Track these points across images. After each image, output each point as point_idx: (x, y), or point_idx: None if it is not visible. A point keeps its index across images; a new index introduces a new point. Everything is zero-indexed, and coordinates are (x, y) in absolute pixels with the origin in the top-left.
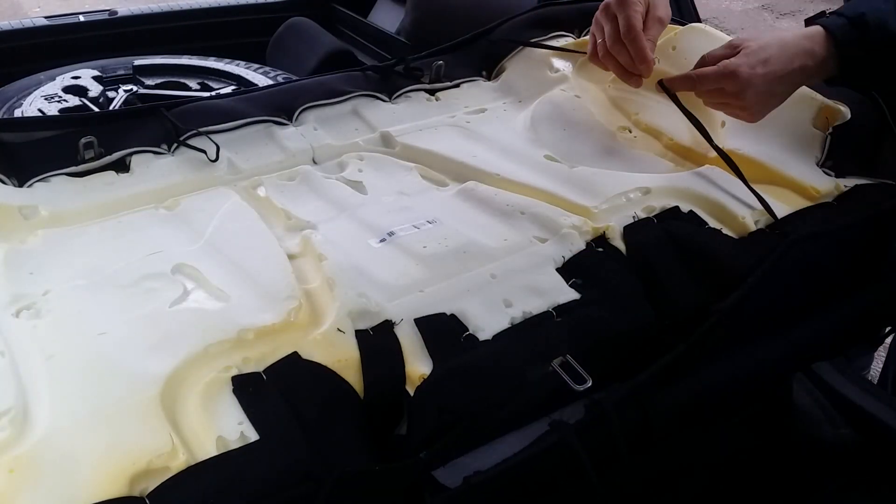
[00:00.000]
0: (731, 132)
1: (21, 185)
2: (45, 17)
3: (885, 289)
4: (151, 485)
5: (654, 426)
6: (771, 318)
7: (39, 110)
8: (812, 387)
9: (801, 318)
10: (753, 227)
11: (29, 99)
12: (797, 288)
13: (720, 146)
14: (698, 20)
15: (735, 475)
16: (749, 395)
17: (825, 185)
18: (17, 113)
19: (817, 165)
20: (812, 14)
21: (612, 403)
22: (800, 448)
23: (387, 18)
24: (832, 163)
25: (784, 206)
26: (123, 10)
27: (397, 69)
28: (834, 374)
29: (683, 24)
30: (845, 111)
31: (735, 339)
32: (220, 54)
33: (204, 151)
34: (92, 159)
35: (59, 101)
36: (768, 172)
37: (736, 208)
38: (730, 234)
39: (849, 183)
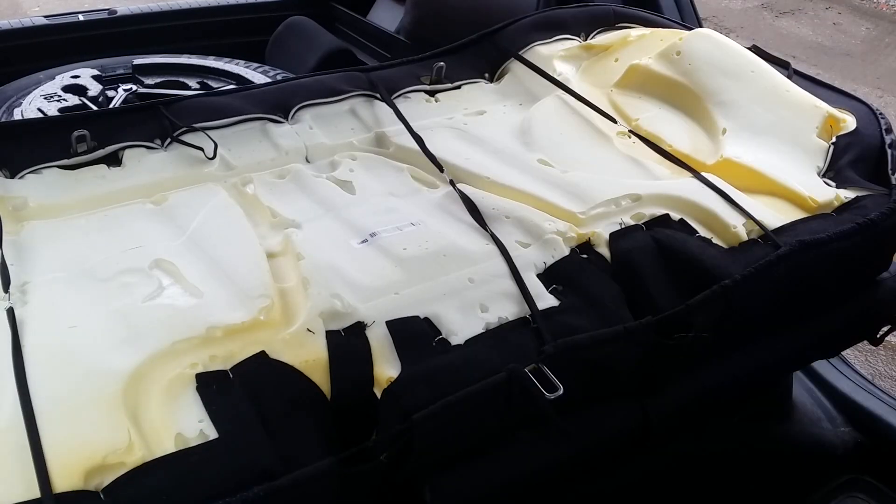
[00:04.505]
0: (732, 140)
1: (13, 177)
2: (45, 17)
3: (884, 289)
4: (107, 479)
5: (654, 426)
6: (767, 325)
7: (39, 109)
8: (812, 386)
9: (799, 320)
10: (745, 237)
11: (28, 98)
12: (791, 297)
13: (721, 154)
14: (698, 20)
15: (734, 475)
16: (749, 395)
17: (824, 195)
18: (17, 112)
19: (818, 175)
20: (811, 13)
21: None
22: (800, 447)
23: (386, 17)
24: (833, 173)
25: (781, 217)
26: (123, 9)
27: (397, 69)
28: (834, 373)
29: (689, 29)
30: (850, 121)
31: (734, 342)
32: (219, 53)
33: (201, 149)
34: (84, 152)
35: (58, 101)
36: (767, 182)
37: (728, 218)
38: (720, 243)
39: (849, 194)
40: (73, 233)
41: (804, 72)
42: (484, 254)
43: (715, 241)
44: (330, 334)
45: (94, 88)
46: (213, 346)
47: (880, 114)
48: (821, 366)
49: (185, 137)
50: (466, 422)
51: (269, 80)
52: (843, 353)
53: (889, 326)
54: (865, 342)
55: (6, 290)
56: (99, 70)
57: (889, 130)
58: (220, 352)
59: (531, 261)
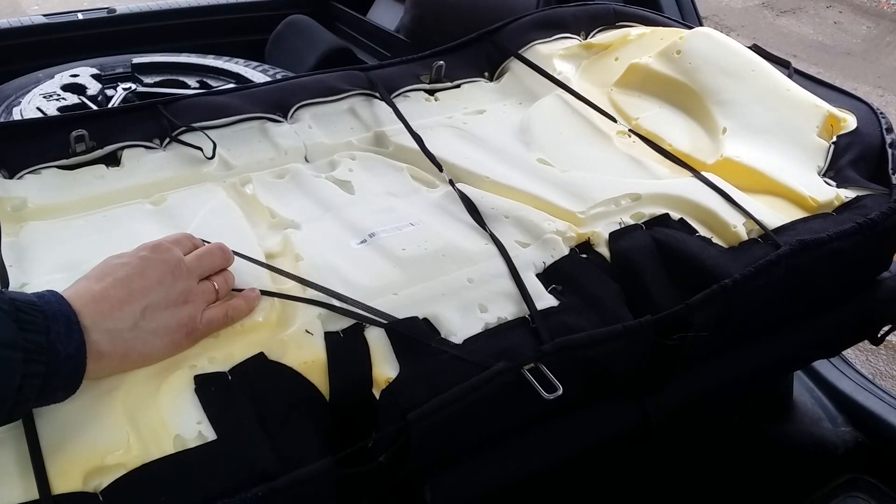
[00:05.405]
0: (732, 140)
1: (11, 177)
2: (44, 16)
3: (885, 288)
4: (106, 481)
5: (654, 425)
6: (767, 324)
7: (38, 108)
8: (812, 385)
9: (800, 319)
10: (745, 237)
11: (28, 97)
12: (791, 297)
13: (721, 153)
14: (699, 19)
15: (734, 474)
16: (749, 394)
17: (825, 195)
18: (16, 111)
19: (819, 175)
20: (812, 12)
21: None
22: (800, 447)
23: (386, 16)
24: (834, 173)
25: (782, 216)
26: (122, 7)
27: (396, 68)
28: (834, 373)
29: (690, 28)
30: (851, 120)
31: (734, 341)
32: (219, 52)
33: (200, 148)
34: (83, 152)
35: (57, 99)
36: (767, 182)
37: (728, 217)
38: (720, 243)
39: (850, 194)
40: (71, 234)
41: (805, 71)
42: (483, 254)
43: (715, 240)
44: (328, 335)
45: (94, 87)
46: (211, 347)
47: (881, 113)
48: (821, 365)
49: (184, 137)
50: (462, 420)
51: (268, 79)
52: (843, 352)
53: (890, 326)
54: (866, 342)
55: None
56: (98, 69)
57: (890, 130)
58: (218, 353)
59: (530, 260)
